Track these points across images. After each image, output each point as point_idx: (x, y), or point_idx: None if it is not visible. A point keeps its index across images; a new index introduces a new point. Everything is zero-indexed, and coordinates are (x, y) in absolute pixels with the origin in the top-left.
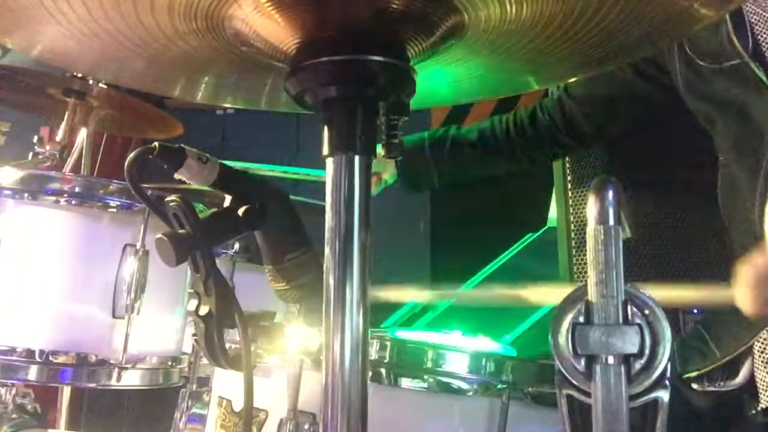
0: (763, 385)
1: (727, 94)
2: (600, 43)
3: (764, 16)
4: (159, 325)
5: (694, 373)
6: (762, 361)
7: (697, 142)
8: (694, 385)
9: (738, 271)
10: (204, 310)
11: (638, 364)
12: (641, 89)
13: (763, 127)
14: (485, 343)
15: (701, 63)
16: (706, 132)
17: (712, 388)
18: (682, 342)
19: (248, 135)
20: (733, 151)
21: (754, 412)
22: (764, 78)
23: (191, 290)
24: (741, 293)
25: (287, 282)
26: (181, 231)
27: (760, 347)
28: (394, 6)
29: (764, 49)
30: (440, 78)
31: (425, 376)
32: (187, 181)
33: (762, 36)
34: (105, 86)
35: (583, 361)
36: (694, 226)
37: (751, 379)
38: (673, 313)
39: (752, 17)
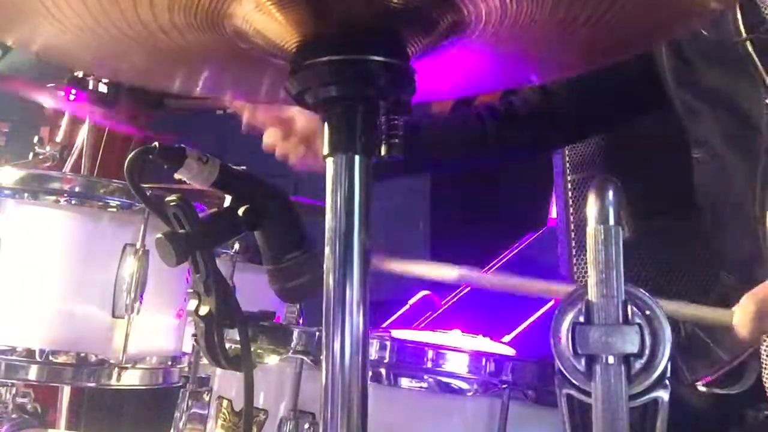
0: None
1: (716, 83)
2: (601, 37)
3: None
4: (159, 325)
5: (705, 381)
6: None
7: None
8: (702, 388)
9: (741, 300)
10: (204, 310)
11: (638, 364)
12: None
13: (755, 119)
14: (485, 343)
15: (693, 45)
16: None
17: (717, 391)
18: (685, 349)
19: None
20: (726, 145)
21: (762, 414)
22: (758, 62)
23: (191, 290)
24: (739, 320)
25: (287, 282)
26: (180, 231)
27: (766, 350)
28: (394, 4)
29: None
30: (440, 73)
31: (425, 376)
32: (187, 181)
33: None
34: (104, 89)
35: (583, 361)
36: (695, 229)
37: (757, 383)
38: None
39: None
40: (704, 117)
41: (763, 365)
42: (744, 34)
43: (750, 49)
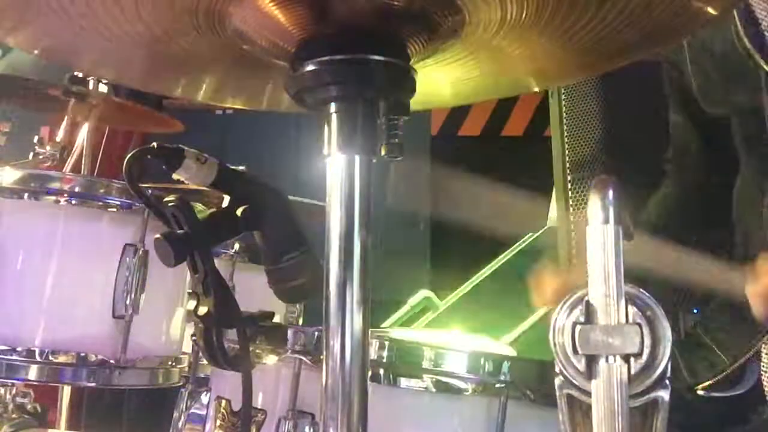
0: None
1: (740, 96)
2: (601, 43)
3: None
4: (159, 325)
5: (707, 383)
6: None
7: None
8: (700, 392)
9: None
10: (202, 310)
11: (638, 364)
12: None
13: None
14: (484, 343)
15: (713, 64)
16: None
17: (717, 394)
18: (685, 352)
19: (248, 135)
20: (745, 150)
21: (761, 416)
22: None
23: (190, 290)
24: (753, 291)
25: (286, 282)
26: (179, 231)
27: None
28: (395, 5)
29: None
30: (440, 79)
31: (424, 376)
32: (186, 181)
33: None
34: (105, 89)
35: (583, 361)
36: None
37: (757, 384)
38: (673, 312)
39: (760, 13)
40: (729, 126)
41: (763, 369)
42: (749, 46)
43: (758, 57)
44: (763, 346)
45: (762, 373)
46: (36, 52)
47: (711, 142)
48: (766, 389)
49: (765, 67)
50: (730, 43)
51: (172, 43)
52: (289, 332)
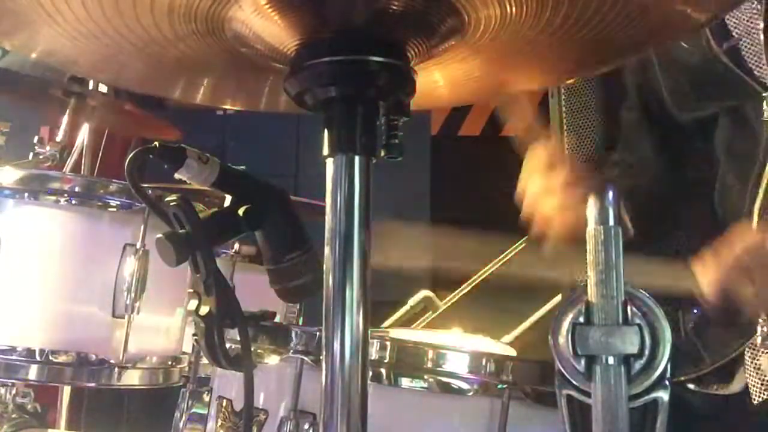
0: (756, 389)
1: (716, 102)
2: (599, 43)
3: (742, 19)
4: (159, 324)
5: (683, 378)
6: (754, 368)
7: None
8: (690, 386)
9: (704, 258)
10: (204, 309)
11: (638, 364)
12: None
13: (757, 130)
14: (485, 343)
15: (686, 75)
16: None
17: (707, 391)
18: (676, 348)
19: (248, 136)
20: (727, 155)
21: (756, 402)
22: (737, 71)
23: (191, 290)
24: (704, 278)
25: (287, 282)
26: (181, 231)
27: (750, 355)
28: (394, 6)
29: (743, 53)
30: (440, 78)
31: (425, 376)
32: (188, 181)
33: (743, 44)
34: (104, 92)
35: (583, 362)
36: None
37: (746, 388)
38: (673, 312)
39: (731, 21)
40: (708, 133)
41: (748, 372)
42: (719, 53)
43: (726, 60)
44: (747, 350)
45: (747, 376)
46: (33, 55)
47: (666, 143)
48: (750, 390)
49: (735, 69)
50: (701, 53)
51: (171, 47)
52: (291, 332)
